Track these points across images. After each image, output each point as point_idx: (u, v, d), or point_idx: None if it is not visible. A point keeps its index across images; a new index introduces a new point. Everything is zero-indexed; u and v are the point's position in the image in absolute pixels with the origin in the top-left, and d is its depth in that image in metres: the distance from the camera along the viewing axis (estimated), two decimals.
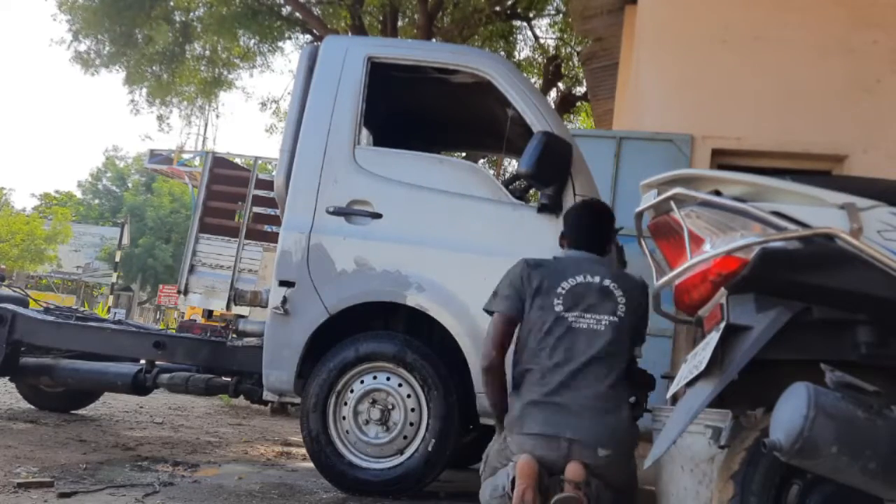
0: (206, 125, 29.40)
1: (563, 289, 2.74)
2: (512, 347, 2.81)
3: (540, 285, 2.76)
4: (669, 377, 4.00)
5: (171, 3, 11.94)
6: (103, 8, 11.39)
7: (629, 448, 2.64)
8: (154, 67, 12.36)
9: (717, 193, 2.06)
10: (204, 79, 13.01)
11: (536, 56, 13.92)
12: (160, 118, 13.84)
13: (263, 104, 14.76)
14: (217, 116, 52.54)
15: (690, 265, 2.05)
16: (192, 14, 12.37)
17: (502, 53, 12.40)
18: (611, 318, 2.69)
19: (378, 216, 3.58)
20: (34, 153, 75.01)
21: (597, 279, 2.77)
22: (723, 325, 1.96)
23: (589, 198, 3.28)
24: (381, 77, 3.82)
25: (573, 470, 2.48)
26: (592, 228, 2.98)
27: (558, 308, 2.70)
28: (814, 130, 5.89)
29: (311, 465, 3.59)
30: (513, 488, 2.43)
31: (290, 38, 13.10)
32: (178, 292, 9.86)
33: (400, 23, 12.10)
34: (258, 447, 4.96)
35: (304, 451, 3.90)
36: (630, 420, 2.64)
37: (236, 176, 9.90)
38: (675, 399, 2.30)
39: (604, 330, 2.67)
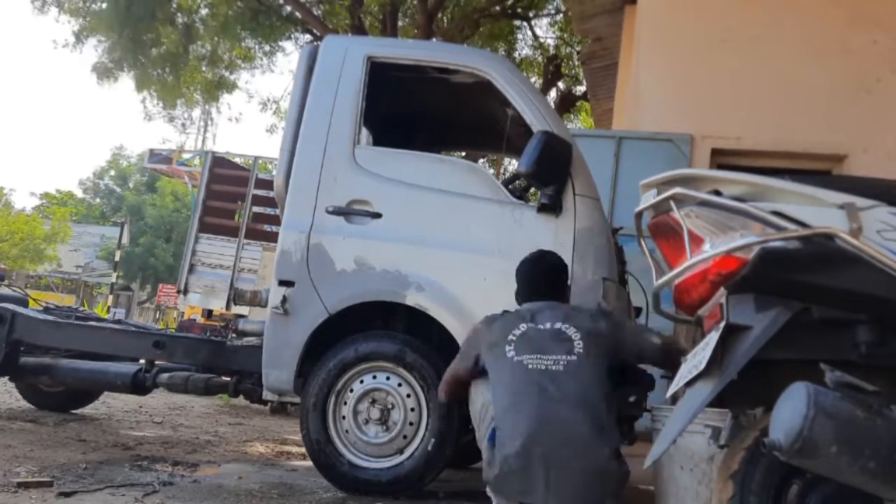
0: (206, 125, 29.37)
1: (513, 335, 2.70)
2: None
3: (494, 339, 2.74)
4: (669, 377, 3.99)
5: (174, 5, 11.94)
6: (110, 11, 11.39)
7: (618, 490, 2.52)
8: (159, 70, 12.37)
9: (717, 193, 2.06)
10: (207, 80, 13.01)
11: (536, 56, 13.93)
12: (172, 120, 13.93)
13: (264, 104, 14.79)
14: (230, 120, 52.92)
15: (690, 265, 2.05)
16: (194, 15, 12.37)
17: (502, 53, 12.40)
18: (568, 357, 2.59)
19: (378, 216, 3.58)
20: (35, 153, 75.03)
21: (547, 325, 2.71)
22: (722, 324, 1.96)
23: (538, 250, 3.17)
24: (380, 77, 3.81)
25: None
26: (544, 279, 2.97)
27: (510, 354, 2.65)
28: (813, 130, 5.89)
29: (310, 464, 3.59)
30: None
31: (290, 38, 13.11)
32: (178, 292, 9.87)
33: (400, 23, 12.11)
34: (258, 446, 4.96)
35: (303, 450, 3.90)
36: (614, 463, 2.48)
37: (236, 175, 9.91)
38: (674, 399, 2.29)
39: (562, 371, 2.57)
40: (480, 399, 2.77)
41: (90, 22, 11.81)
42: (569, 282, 3.11)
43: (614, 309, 3.26)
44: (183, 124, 14.92)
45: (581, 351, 2.61)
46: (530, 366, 2.59)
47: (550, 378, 2.55)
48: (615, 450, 2.51)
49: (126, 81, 12.75)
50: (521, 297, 2.99)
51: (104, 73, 12.26)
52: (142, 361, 4.58)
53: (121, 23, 11.38)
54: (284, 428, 6.27)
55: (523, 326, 2.72)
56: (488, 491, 2.65)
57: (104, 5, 11.56)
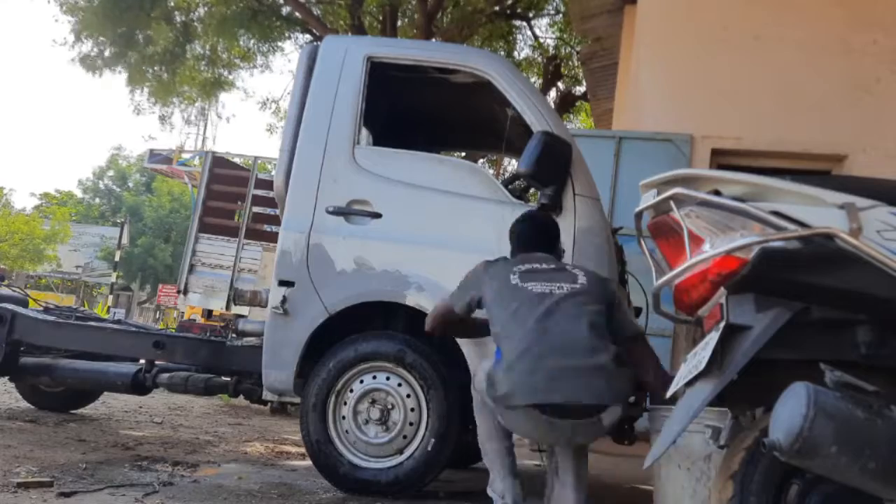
0: (205, 125, 29.37)
1: (518, 269, 2.85)
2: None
3: (495, 273, 2.88)
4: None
5: (172, 4, 11.93)
6: (104, 9, 11.38)
7: (624, 389, 2.65)
8: (155, 68, 12.36)
9: (717, 193, 2.06)
10: (204, 79, 13.01)
11: (536, 56, 13.91)
12: (162, 118, 13.88)
13: (263, 104, 14.75)
14: (223, 119, 52.50)
15: (690, 265, 2.05)
16: (192, 14, 12.37)
17: (502, 53, 12.40)
18: (571, 285, 2.76)
19: (378, 216, 3.58)
20: (35, 153, 75.03)
21: (552, 265, 2.89)
22: (722, 324, 1.96)
23: (527, 212, 3.33)
24: (380, 77, 3.81)
25: None
26: (536, 236, 3.09)
27: (514, 282, 2.79)
28: (813, 130, 5.90)
29: (310, 464, 3.59)
30: None
31: (289, 38, 13.10)
32: (178, 292, 9.87)
33: (399, 23, 12.10)
34: (257, 447, 4.96)
35: (303, 450, 3.90)
36: (616, 365, 2.60)
37: (236, 176, 9.91)
38: (674, 399, 2.30)
39: (566, 293, 2.73)
40: (481, 374, 2.85)
41: (83, 18, 11.79)
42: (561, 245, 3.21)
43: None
44: (171, 123, 14.91)
45: (584, 283, 2.78)
46: (532, 289, 2.74)
47: (552, 299, 2.71)
48: (617, 356, 2.62)
49: (122, 77, 12.72)
50: (515, 253, 3.09)
51: (90, 65, 12.24)
52: (142, 361, 4.58)
53: (113, 20, 11.37)
54: (284, 428, 6.26)
55: (527, 265, 2.86)
56: (496, 413, 2.73)
57: (96, 1, 11.54)
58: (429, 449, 3.37)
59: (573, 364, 2.55)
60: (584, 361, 2.55)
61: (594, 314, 2.70)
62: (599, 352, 2.58)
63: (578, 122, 15.75)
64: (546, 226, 3.16)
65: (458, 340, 3.41)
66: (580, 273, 2.85)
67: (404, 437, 3.42)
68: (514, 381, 2.57)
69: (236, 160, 12.09)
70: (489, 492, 2.82)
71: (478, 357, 3.09)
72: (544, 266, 2.86)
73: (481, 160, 13.36)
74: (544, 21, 13.68)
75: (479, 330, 3.11)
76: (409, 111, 4.53)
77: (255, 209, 9.50)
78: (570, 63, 13.28)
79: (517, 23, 13.16)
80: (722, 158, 6.10)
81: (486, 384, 2.71)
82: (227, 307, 8.78)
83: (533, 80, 13.15)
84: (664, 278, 2.20)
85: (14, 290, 5.46)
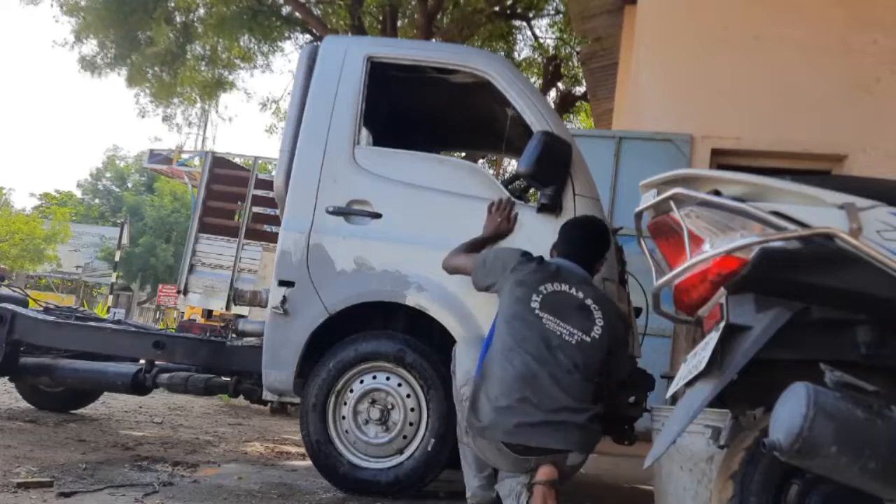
0: (205, 125, 29.39)
1: (545, 289, 2.82)
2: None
3: (524, 278, 2.85)
4: (669, 377, 4.00)
5: (172, 4, 11.93)
6: (105, 10, 11.39)
7: (590, 443, 2.75)
8: (155, 68, 12.36)
9: (717, 193, 2.05)
10: (205, 79, 13.01)
11: (536, 56, 13.91)
12: (166, 118, 13.89)
13: (263, 104, 14.74)
14: (223, 118, 52.45)
15: (690, 265, 2.05)
16: (192, 14, 12.37)
17: (502, 53, 12.39)
18: (583, 336, 2.76)
19: (378, 216, 3.58)
20: (34, 153, 75.02)
21: (580, 295, 2.84)
22: (722, 324, 1.96)
23: (589, 215, 3.36)
24: (380, 77, 3.81)
25: (546, 471, 2.61)
26: (584, 244, 3.08)
27: (534, 305, 2.77)
28: (813, 130, 5.90)
29: (310, 464, 3.59)
30: None
31: (289, 38, 13.10)
32: (178, 292, 9.87)
33: (399, 23, 12.09)
34: (257, 447, 4.96)
35: (303, 450, 3.90)
36: (589, 423, 2.69)
37: (236, 176, 9.91)
38: (674, 399, 2.30)
39: (573, 344, 2.74)
40: (468, 364, 2.94)
41: (85, 18, 11.80)
42: (606, 255, 3.20)
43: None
44: (177, 123, 14.92)
45: (596, 336, 2.77)
46: (547, 324, 2.74)
47: (559, 342, 2.72)
48: (594, 416, 2.71)
49: (121, 78, 12.72)
50: (558, 251, 3.11)
51: (92, 67, 12.25)
52: (142, 361, 4.58)
53: (114, 21, 11.37)
54: (284, 428, 6.26)
55: (556, 286, 2.83)
56: (469, 433, 2.80)
57: (98, 3, 11.54)
58: (429, 449, 3.37)
59: (550, 419, 2.62)
60: (562, 417, 2.63)
61: (588, 371, 2.74)
62: (580, 412, 2.66)
63: (578, 122, 15.75)
64: (591, 239, 3.13)
65: (458, 340, 3.41)
66: (599, 319, 2.81)
67: (404, 437, 3.42)
68: (492, 417, 2.66)
69: (237, 160, 12.09)
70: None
71: (467, 357, 3.08)
72: (571, 293, 2.83)
73: (481, 160, 13.36)
74: (544, 21, 13.68)
75: None
76: (409, 111, 4.53)
77: (255, 209, 9.50)
78: (570, 63, 13.27)
79: (517, 23, 13.15)
80: (722, 158, 6.10)
81: (469, 404, 2.79)
82: (227, 307, 8.79)
83: (533, 80, 13.15)
84: (664, 278, 2.20)
85: (14, 290, 5.46)
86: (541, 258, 3.00)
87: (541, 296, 2.79)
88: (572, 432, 2.64)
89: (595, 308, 2.82)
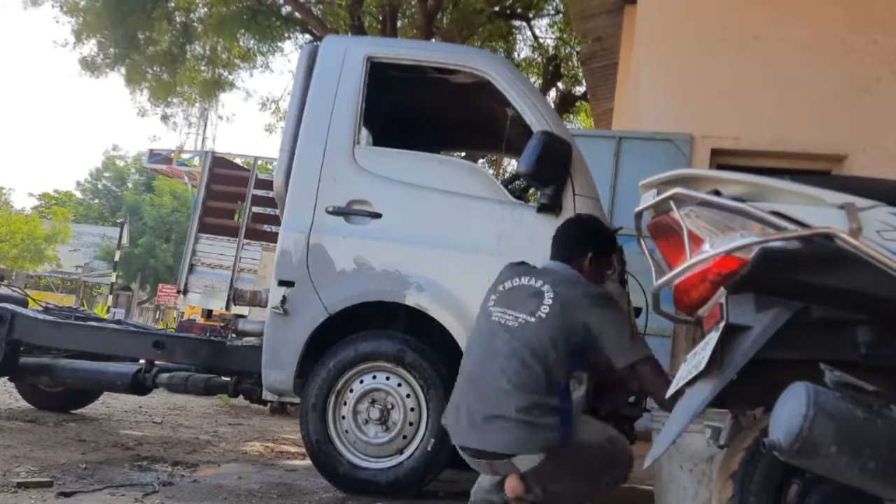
0: (205, 125, 29.44)
1: (503, 287, 2.75)
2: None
3: (493, 283, 2.82)
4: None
5: (172, 4, 11.93)
6: (105, 10, 11.38)
7: (549, 445, 2.46)
8: (155, 68, 12.36)
9: (717, 193, 2.05)
10: (204, 79, 13.01)
11: (536, 56, 13.90)
12: (165, 118, 13.88)
13: (263, 104, 14.73)
14: (220, 118, 52.27)
15: (690, 265, 2.05)
16: (192, 14, 12.37)
17: (502, 53, 12.39)
18: (528, 317, 2.57)
19: (377, 216, 3.58)
20: (33, 153, 75.02)
21: (538, 283, 2.67)
22: (722, 324, 1.95)
23: (577, 215, 3.27)
24: (380, 77, 3.81)
25: (510, 485, 2.52)
26: (561, 238, 2.94)
27: (490, 303, 2.74)
28: (813, 130, 5.90)
29: (310, 464, 3.59)
30: None
31: (289, 38, 13.10)
32: (178, 292, 9.86)
33: (399, 23, 12.09)
34: (257, 446, 4.96)
35: (303, 450, 3.90)
36: (553, 416, 2.46)
37: (236, 176, 9.90)
38: (674, 399, 2.29)
39: (517, 327, 2.57)
40: None
41: (84, 19, 11.79)
42: (588, 250, 2.91)
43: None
44: (175, 123, 14.89)
45: (543, 315, 2.56)
46: (495, 318, 2.66)
47: (504, 332, 2.60)
48: (533, 405, 2.45)
49: (122, 80, 12.71)
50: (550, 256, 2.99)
51: (92, 67, 12.24)
52: (142, 361, 4.58)
53: (114, 21, 11.37)
54: (284, 428, 6.26)
55: (518, 280, 2.73)
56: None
57: (98, 3, 11.54)
58: (428, 449, 3.37)
59: (487, 412, 2.50)
60: (496, 411, 2.47)
61: (532, 354, 2.50)
62: (511, 401, 2.45)
63: (578, 122, 15.74)
64: (568, 232, 2.95)
65: (458, 340, 3.41)
66: (548, 299, 2.59)
67: (404, 436, 3.42)
68: (448, 420, 2.68)
69: (237, 160, 12.09)
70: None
71: None
72: (530, 284, 2.68)
73: (481, 160, 13.35)
74: (544, 21, 13.67)
75: None
76: (409, 111, 4.53)
77: (255, 209, 9.50)
78: (570, 63, 13.26)
79: (517, 23, 13.15)
80: (722, 158, 6.10)
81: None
82: (227, 307, 8.77)
83: (533, 80, 13.14)
84: (664, 278, 2.20)
85: (14, 290, 5.46)
86: (522, 263, 2.87)
87: (498, 294, 2.72)
88: (510, 432, 2.45)
89: (547, 289, 2.62)
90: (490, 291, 2.79)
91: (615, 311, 2.69)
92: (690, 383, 2.02)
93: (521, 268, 2.82)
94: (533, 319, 2.56)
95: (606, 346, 2.59)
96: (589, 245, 2.88)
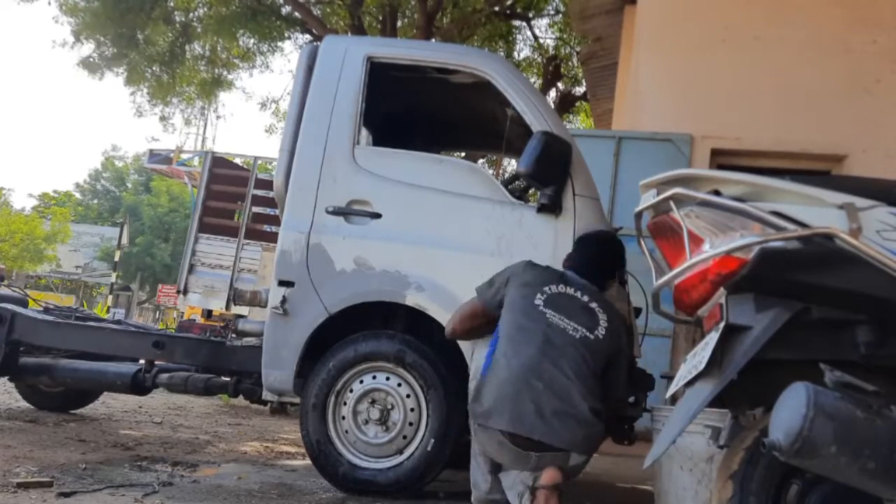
0: (205, 125, 29.47)
1: (549, 289, 2.84)
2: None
3: (529, 280, 2.87)
4: (669, 377, 4.00)
5: (171, 4, 11.93)
6: (104, 10, 11.38)
7: (593, 441, 2.72)
8: (154, 68, 12.36)
9: (717, 193, 2.06)
10: (204, 79, 13.00)
11: (536, 56, 13.91)
12: (163, 118, 13.88)
13: (263, 104, 14.73)
14: (218, 118, 52.03)
15: (690, 265, 2.05)
16: (191, 14, 12.36)
17: (502, 53, 12.39)
18: (587, 333, 2.75)
19: (377, 216, 3.58)
20: (32, 153, 75.01)
21: (584, 298, 2.85)
22: (722, 324, 1.96)
23: (609, 231, 3.39)
24: (380, 77, 3.81)
25: (551, 475, 2.60)
26: (596, 260, 3.08)
27: (538, 302, 2.79)
28: (813, 130, 5.90)
29: (310, 464, 3.59)
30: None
31: (289, 38, 13.10)
32: (178, 292, 9.87)
33: (399, 23, 12.09)
34: (257, 447, 4.96)
35: (303, 450, 3.90)
36: (594, 418, 2.67)
37: (236, 176, 9.91)
38: (674, 399, 2.30)
39: (577, 338, 2.73)
40: (479, 361, 2.93)
41: (83, 19, 11.79)
42: (617, 274, 3.23)
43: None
44: (172, 123, 14.89)
45: (600, 336, 2.76)
46: (550, 318, 2.74)
47: (562, 337, 2.71)
48: (597, 410, 2.68)
49: (121, 80, 12.71)
50: (571, 263, 3.09)
51: (92, 67, 12.24)
52: (141, 361, 4.58)
53: (113, 21, 11.36)
54: (284, 428, 6.26)
55: (561, 287, 2.85)
56: (472, 426, 2.80)
57: (97, 2, 11.53)
58: (428, 449, 3.37)
59: (558, 408, 2.60)
60: (569, 408, 2.61)
61: (593, 368, 2.73)
62: (586, 404, 2.64)
63: (578, 122, 15.74)
64: (605, 256, 3.14)
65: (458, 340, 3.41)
66: (603, 321, 2.81)
67: (404, 437, 3.42)
68: (496, 401, 2.65)
69: (236, 160, 12.10)
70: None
71: (478, 356, 3.10)
72: (576, 296, 2.84)
73: (481, 160, 13.35)
74: (544, 21, 13.67)
75: None
76: (408, 111, 4.53)
77: (255, 209, 9.51)
78: (570, 63, 13.27)
79: (517, 23, 13.15)
80: (722, 158, 6.10)
81: (473, 394, 2.80)
82: (227, 307, 8.77)
83: (533, 80, 13.14)
84: (664, 278, 2.20)
85: (14, 290, 5.46)
86: (547, 266, 3.03)
87: (545, 295, 2.81)
88: (576, 431, 2.61)
89: (599, 311, 2.84)
90: (526, 287, 2.84)
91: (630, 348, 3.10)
92: (690, 383, 2.02)
93: (551, 272, 2.95)
94: (591, 336, 2.75)
95: (612, 377, 2.88)
96: (616, 268, 3.17)
